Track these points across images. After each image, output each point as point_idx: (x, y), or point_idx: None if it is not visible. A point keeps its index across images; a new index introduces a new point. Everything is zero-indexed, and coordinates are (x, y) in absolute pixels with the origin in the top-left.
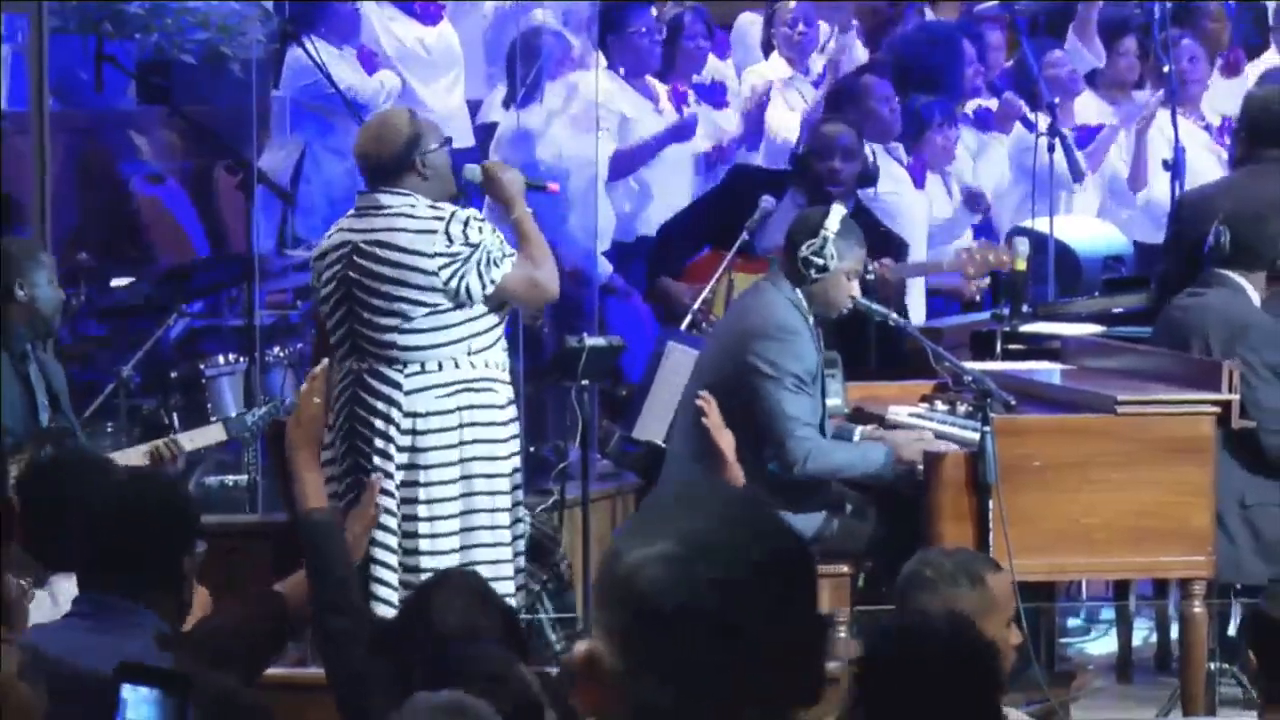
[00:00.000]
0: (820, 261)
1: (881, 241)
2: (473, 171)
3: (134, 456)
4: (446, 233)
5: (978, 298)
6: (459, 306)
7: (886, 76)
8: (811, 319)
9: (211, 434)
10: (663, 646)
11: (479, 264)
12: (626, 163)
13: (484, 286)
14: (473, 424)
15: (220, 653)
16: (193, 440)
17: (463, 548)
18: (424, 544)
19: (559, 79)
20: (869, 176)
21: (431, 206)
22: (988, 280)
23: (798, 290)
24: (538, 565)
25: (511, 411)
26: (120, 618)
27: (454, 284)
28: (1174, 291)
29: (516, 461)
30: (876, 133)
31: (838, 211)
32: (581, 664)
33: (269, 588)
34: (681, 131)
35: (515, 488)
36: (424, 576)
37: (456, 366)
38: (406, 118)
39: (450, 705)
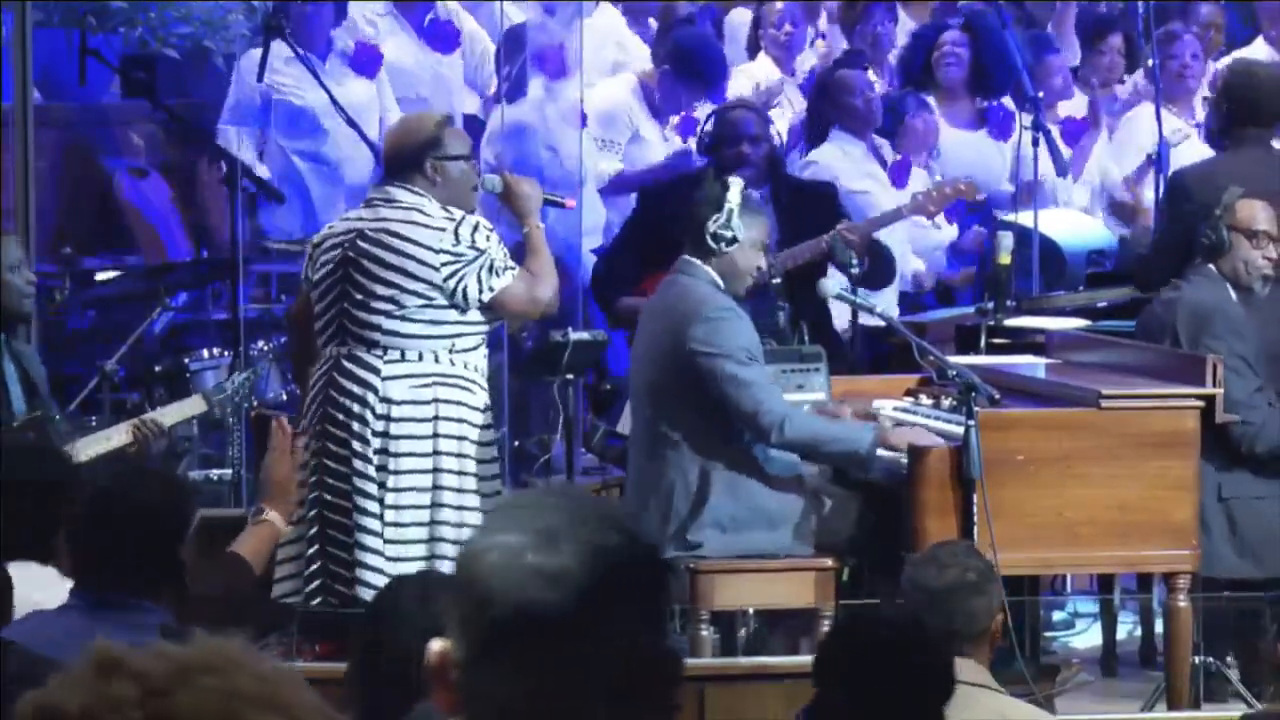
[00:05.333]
0: (729, 234)
1: (813, 200)
2: (492, 182)
3: (116, 437)
4: (455, 233)
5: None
6: (453, 306)
7: (864, 68)
8: (732, 296)
9: (192, 406)
10: (499, 641)
11: (481, 269)
12: (628, 187)
13: (481, 292)
14: (447, 418)
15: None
16: (173, 415)
17: (430, 539)
18: (390, 533)
19: (545, 76)
20: (779, 158)
21: (443, 209)
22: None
23: (710, 271)
24: None
25: (488, 416)
26: (123, 614)
27: (452, 283)
28: (1157, 267)
29: (495, 467)
30: (854, 126)
31: (736, 184)
32: (434, 663)
33: (232, 550)
34: (681, 160)
35: (494, 493)
36: (387, 568)
37: (436, 360)
38: (433, 120)
39: None
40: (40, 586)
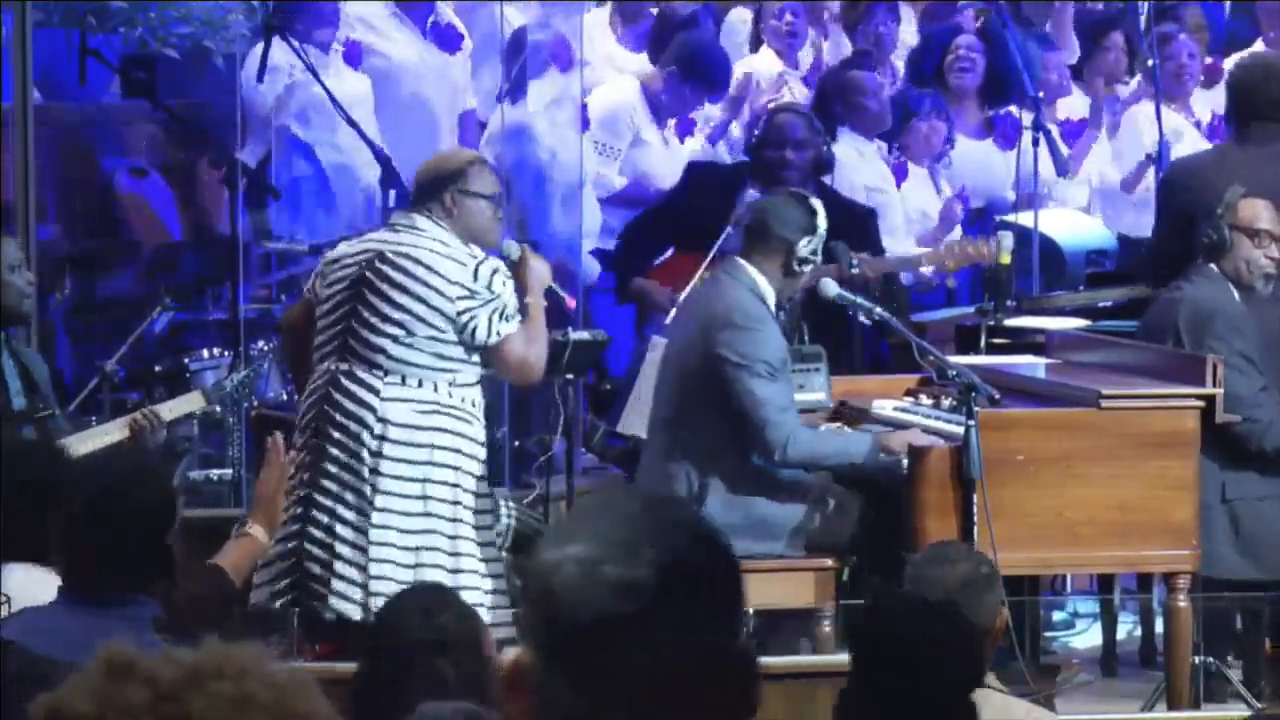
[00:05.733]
0: (817, 259)
1: (854, 222)
2: (510, 248)
3: (114, 429)
4: (475, 271)
5: (946, 283)
6: (460, 343)
7: (871, 68)
8: (773, 308)
9: (191, 402)
10: (574, 651)
11: (493, 312)
12: (632, 203)
13: (489, 335)
14: (444, 448)
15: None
16: (172, 410)
17: (416, 565)
18: (374, 551)
19: (547, 76)
20: (824, 164)
21: (465, 244)
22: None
23: (758, 279)
24: (521, 558)
25: (484, 452)
26: (120, 609)
27: (464, 319)
28: (1160, 262)
29: (489, 502)
30: (866, 127)
31: (820, 206)
32: (509, 673)
33: (213, 562)
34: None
35: (488, 526)
36: (372, 585)
37: (435, 390)
38: (466, 156)
39: (467, 713)
40: (46, 588)
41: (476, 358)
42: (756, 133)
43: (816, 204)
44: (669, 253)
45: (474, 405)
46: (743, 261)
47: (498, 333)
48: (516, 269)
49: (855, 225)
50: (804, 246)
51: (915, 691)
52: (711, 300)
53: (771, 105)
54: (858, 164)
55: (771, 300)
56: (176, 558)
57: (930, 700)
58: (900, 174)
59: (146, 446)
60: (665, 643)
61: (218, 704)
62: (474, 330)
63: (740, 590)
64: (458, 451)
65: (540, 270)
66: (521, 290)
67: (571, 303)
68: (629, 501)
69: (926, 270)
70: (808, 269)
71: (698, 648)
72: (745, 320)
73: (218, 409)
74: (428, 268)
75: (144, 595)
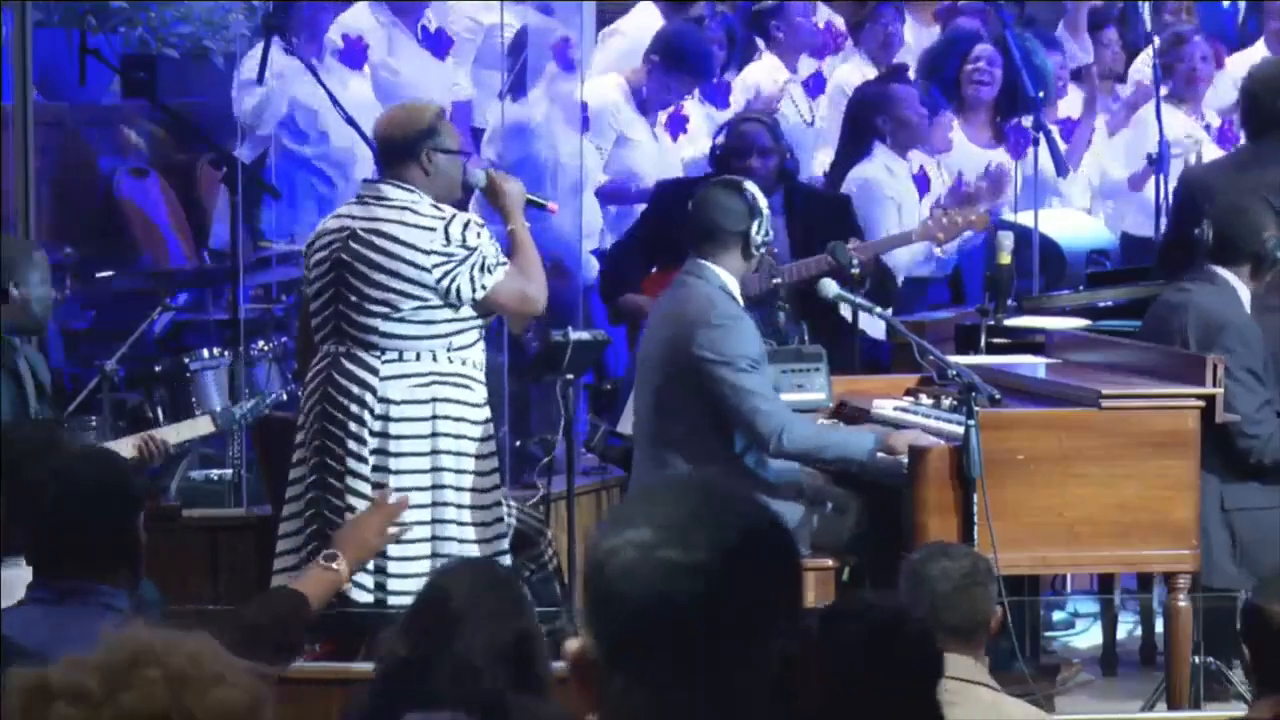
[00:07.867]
0: (771, 237)
1: (831, 212)
2: (476, 176)
3: (123, 449)
4: (445, 232)
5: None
6: (448, 305)
7: (908, 82)
8: (740, 300)
9: (199, 426)
10: (634, 638)
11: (473, 267)
12: (614, 199)
13: (474, 290)
14: (445, 417)
15: (245, 648)
16: (179, 433)
17: (433, 538)
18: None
19: (547, 75)
20: (789, 172)
21: (434, 205)
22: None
23: (722, 275)
24: (523, 556)
25: (486, 412)
26: (84, 598)
27: (445, 283)
28: (1165, 260)
29: (494, 461)
30: (907, 140)
31: (755, 188)
32: (573, 661)
33: (296, 589)
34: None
35: (493, 487)
36: (390, 567)
37: (434, 360)
38: (430, 111)
39: None
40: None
41: (471, 315)
42: (720, 142)
43: (749, 186)
44: (653, 270)
45: (475, 367)
46: (703, 261)
47: (482, 286)
48: (489, 196)
49: (833, 215)
50: (757, 232)
51: (862, 694)
52: (683, 302)
53: (735, 115)
54: (887, 179)
55: (738, 293)
56: (142, 544)
57: (883, 699)
58: (923, 186)
59: (148, 468)
60: (725, 630)
61: (147, 691)
62: (458, 290)
63: (800, 582)
64: (460, 420)
65: (513, 190)
66: (503, 217)
67: (554, 208)
68: (689, 488)
69: (919, 247)
70: (762, 249)
71: (758, 636)
72: (720, 319)
73: (225, 433)
74: (398, 241)
75: (109, 585)
